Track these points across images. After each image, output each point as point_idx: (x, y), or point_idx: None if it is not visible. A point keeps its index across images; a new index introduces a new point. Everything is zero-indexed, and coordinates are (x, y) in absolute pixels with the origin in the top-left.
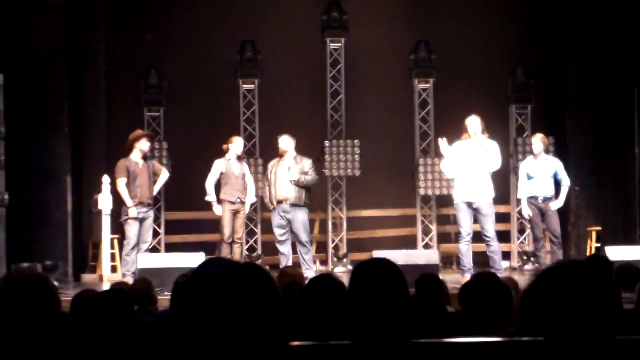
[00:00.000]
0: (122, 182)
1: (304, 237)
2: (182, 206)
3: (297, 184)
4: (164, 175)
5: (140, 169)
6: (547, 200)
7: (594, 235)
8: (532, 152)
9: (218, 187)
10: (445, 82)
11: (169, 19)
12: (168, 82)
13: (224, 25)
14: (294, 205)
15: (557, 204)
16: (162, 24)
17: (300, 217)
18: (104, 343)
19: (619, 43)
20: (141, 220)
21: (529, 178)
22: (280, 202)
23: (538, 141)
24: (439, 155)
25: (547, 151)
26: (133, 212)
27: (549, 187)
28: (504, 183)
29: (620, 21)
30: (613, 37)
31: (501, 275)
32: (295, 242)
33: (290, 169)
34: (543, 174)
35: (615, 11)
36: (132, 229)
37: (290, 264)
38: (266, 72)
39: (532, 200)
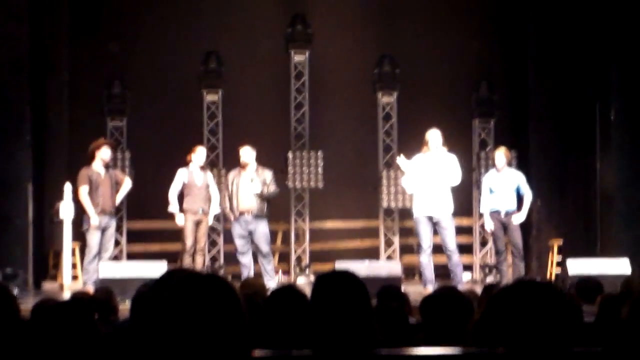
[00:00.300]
0: (84, 191)
1: (265, 247)
2: (144, 215)
3: (260, 196)
4: (127, 184)
5: (103, 179)
6: (509, 214)
7: (555, 247)
8: (494, 165)
9: (181, 197)
10: (409, 96)
11: (133, 28)
12: (131, 91)
13: (188, 35)
14: (256, 217)
15: (519, 217)
16: (126, 33)
17: (262, 228)
18: (64, 352)
19: (582, 59)
20: (103, 229)
21: (491, 192)
22: (242, 213)
23: (501, 154)
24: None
25: (509, 164)
26: (95, 220)
27: (511, 200)
28: (466, 196)
29: (583, 37)
30: (576, 53)
31: (462, 287)
32: (257, 253)
33: (253, 180)
34: (505, 187)
35: (579, 27)
36: (93, 238)
37: (252, 274)
38: (230, 83)
39: (495, 214)
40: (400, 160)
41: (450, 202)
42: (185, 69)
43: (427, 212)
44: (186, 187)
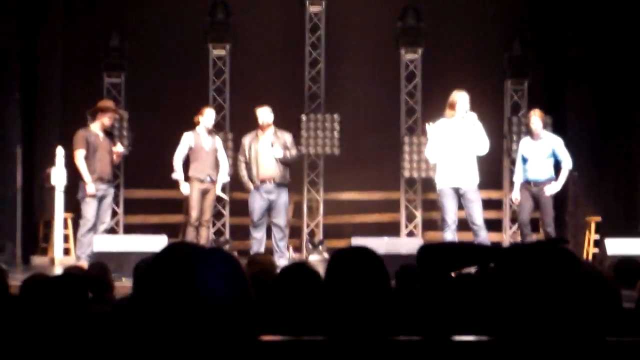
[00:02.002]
0: (80, 155)
1: (283, 220)
2: (143, 183)
3: (283, 161)
4: (119, 148)
5: (101, 142)
6: (539, 183)
7: (593, 225)
8: (528, 131)
9: (186, 164)
10: (434, 53)
11: None
12: (130, 44)
13: None
14: (278, 185)
15: (552, 188)
16: None
17: (283, 198)
18: (55, 332)
19: (626, 14)
20: (100, 198)
21: (525, 160)
22: (263, 181)
23: (537, 118)
24: (425, 133)
25: (544, 129)
26: (91, 188)
27: (546, 169)
28: (495, 166)
29: None
30: (619, 7)
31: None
32: (271, 226)
33: (274, 144)
34: (540, 155)
35: None
36: (89, 208)
37: (262, 250)
38: (238, 37)
39: (526, 184)
40: (430, 129)
41: (476, 173)
42: (189, 20)
43: (452, 183)
44: (192, 152)
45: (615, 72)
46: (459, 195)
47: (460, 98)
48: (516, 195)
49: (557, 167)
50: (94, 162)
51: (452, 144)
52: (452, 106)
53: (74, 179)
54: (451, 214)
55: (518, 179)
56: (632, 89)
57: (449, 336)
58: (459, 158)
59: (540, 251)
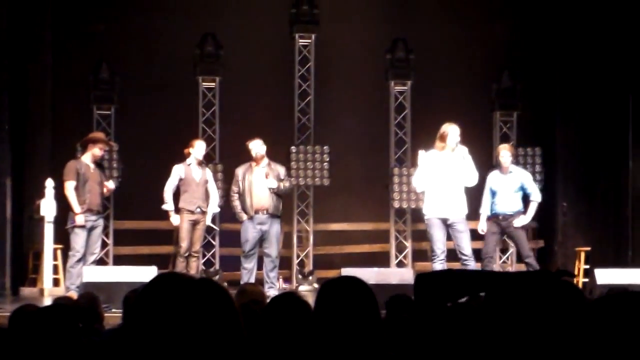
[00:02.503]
0: (70, 186)
1: (274, 250)
2: (133, 214)
3: (276, 192)
4: (110, 185)
5: (92, 173)
6: (508, 217)
7: (582, 255)
8: (498, 165)
9: (176, 195)
10: (423, 85)
11: (122, 7)
12: (120, 77)
13: (183, 15)
14: (272, 216)
15: (521, 220)
16: (114, 12)
17: (275, 229)
18: None
19: (614, 47)
20: (89, 229)
21: (493, 194)
22: (257, 212)
23: (507, 152)
24: (415, 164)
25: (515, 163)
26: (80, 219)
27: (513, 203)
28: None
29: (614, 23)
30: (607, 40)
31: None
32: (263, 257)
33: (268, 176)
34: (507, 188)
35: (610, 12)
36: (78, 239)
37: (252, 280)
38: (228, 69)
39: (494, 217)
40: (422, 155)
41: (465, 204)
42: (179, 52)
43: (440, 214)
44: (183, 183)
45: (604, 103)
46: (447, 225)
47: (451, 130)
48: (482, 226)
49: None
50: (84, 193)
51: (441, 175)
52: (443, 138)
53: (64, 210)
54: (440, 245)
55: (485, 211)
56: (621, 121)
57: None
58: (447, 189)
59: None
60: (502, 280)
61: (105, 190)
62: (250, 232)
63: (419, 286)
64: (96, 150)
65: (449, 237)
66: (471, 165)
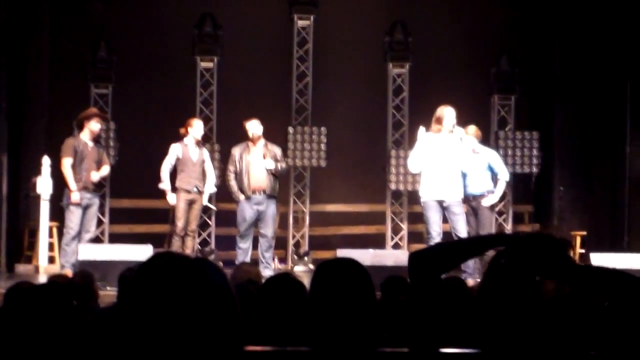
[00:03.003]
0: (67, 163)
1: (270, 231)
2: (129, 193)
3: (274, 173)
4: (104, 170)
5: (89, 151)
6: (477, 197)
7: (578, 240)
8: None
9: (173, 174)
10: (422, 68)
11: None
12: (118, 56)
13: None
14: (268, 196)
15: (489, 200)
16: None
17: (272, 209)
18: (40, 340)
19: (612, 32)
20: (85, 207)
21: (463, 176)
22: (254, 192)
23: (472, 136)
24: (412, 147)
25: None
26: (76, 196)
27: (483, 183)
28: None
29: (613, 8)
30: (605, 25)
31: (473, 280)
32: (259, 237)
33: (266, 156)
34: (476, 169)
35: None
36: (74, 216)
37: (248, 260)
38: (226, 50)
39: (466, 199)
40: (421, 131)
41: (461, 187)
42: (177, 32)
43: (437, 196)
44: (180, 163)
45: (602, 88)
46: (443, 207)
47: (447, 113)
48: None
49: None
50: (80, 171)
51: (437, 157)
52: (439, 121)
53: (60, 187)
54: (436, 227)
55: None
56: (618, 104)
57: (437, 348)
58: (443, 172)
59: (536, 241)
60: (493, 241)
61: (99, 172)
62: (247, 212)
63: (412, 264)
64: (92, 126)
65: (445, 220)
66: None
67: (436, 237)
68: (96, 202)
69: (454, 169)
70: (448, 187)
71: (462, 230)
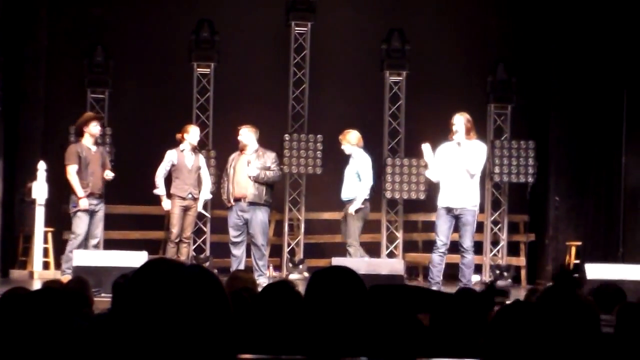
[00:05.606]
0: (72, 170)
1: (260, 239)
2: (124, 199)
3: (256, 180)
4: (108, 174)
5: (93, 155)
6: (346, 203)
7: (573, 250)
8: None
9: (168, 180)
10: (418, 76)
11: None
12: (115, 61)
13: (180, 0)
14: (252, 204)
15: (353, 206)
16: None
17: (259, 217)
18: (34, 346)
19: (609, 41)
20: (91, 213)
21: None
22: (237, 200)
23: (347, 142)
24: (408, 155)
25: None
26: (84, 202)
27: (351, 189)
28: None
29: (611, 16)
30: (602, 34)
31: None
32: (250, 245)
33: (250, 163)
34: (347, 175)
35: (605, 6)
36: (81, 222)
37: (242, 268)
38: (223, 55)
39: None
40: (425, 149)
41: (475, 195)
42: (174, 37)
43: (446, 203)
44: (175, 169)
45: (599, 98)
46: (453, 216)
47: (455, 121)
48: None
49: None
50: (87, 176)
51: (448, 165)
52: (451, 129)
53: (55, 193)
54: (442, 237)
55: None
56: (615, 114)
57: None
58: (454, 179)
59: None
60: (444, 301)
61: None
62: (232, 220)
63: (373, 296)
64: (92, 129)
65: (456, 230)
66: (476, 154)
67: (441, 246)
68: (102, 207)
69: (465, 176)
70: (458, 195)
71: (467, 240)
